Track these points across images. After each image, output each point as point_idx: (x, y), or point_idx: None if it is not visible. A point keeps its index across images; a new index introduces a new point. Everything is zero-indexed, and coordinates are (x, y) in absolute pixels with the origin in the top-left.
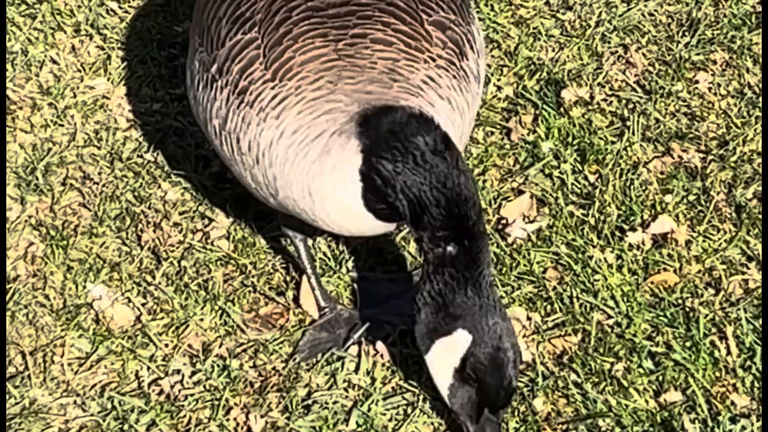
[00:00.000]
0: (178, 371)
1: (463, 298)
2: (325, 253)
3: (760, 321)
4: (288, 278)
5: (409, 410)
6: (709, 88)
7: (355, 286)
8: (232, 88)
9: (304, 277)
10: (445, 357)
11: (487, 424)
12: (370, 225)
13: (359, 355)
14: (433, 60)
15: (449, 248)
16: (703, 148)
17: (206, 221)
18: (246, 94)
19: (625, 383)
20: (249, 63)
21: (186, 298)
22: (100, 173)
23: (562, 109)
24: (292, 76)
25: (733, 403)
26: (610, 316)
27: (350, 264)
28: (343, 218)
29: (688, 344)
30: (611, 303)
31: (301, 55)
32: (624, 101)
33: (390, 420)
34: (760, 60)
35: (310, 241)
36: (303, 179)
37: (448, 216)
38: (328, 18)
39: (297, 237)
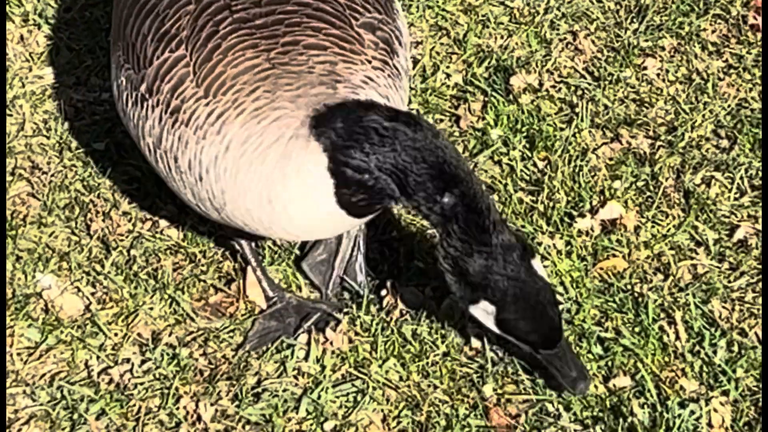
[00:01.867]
0: (128, 360)
1: (475, 264)
2: (274, 241)
3: (708, 306)
4: (237, 267)
5: (359, 397)
6: (658, 75)
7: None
8: (164, 108)
9: (249, 268)
10: (482, 318)
11: (551, 357)
12: (336, 225)
13: (309, 343)
14: (369, 62)
15: (445, 199)
16: (651, 134)
17: (155, 210)
18: (179, 113)
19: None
20: (179, 81)
21: (135, 287)
22: (48, 163)
23: (511, 96)
24: (226, 90)
25: (682, 387)
26: (559, 302)
27: (297, 252)
28: (309, 222)
29: (637, 329)
30: (560, 289)
31: (233, 68)
32: (573, 88)
33: (340, 407)
34: (709, 46)
35: None
36: (260, 187)
37: (430, 168)
38: (255, 29)
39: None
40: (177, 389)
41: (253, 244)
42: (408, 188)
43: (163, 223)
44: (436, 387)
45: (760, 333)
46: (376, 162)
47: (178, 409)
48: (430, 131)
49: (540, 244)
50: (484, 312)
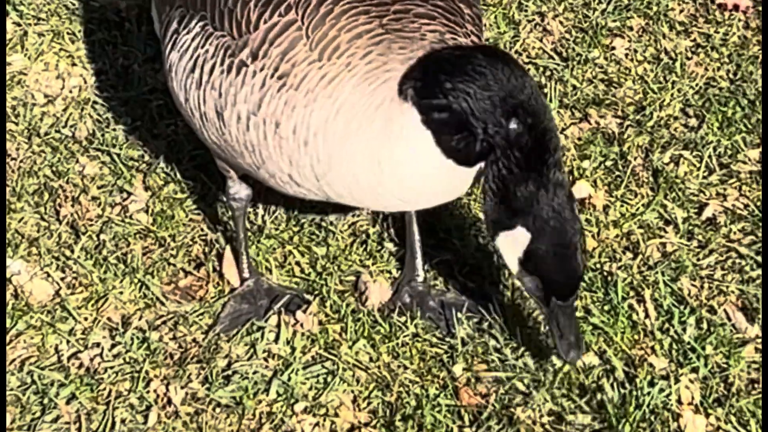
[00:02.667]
0: (98, 344)
1: (524, 190)
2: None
3: (678, 284)
4: (207, 250)
5: (329, 378)
6: (626, 54)
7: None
8: (271, 72)
9: (228, 248)
10: (509, 248)
11: (559, 310)
12: (447, 181)
13: (279, 325)
14: (468, 36)
15: (512, 125)
16: (620, 113)
17: (124, 195)
18: (289, 77)
19: (544, 347)
20: (291, 45)
21: (105, 272)
22: (17, 149)
23: None
24: (341, 54)
25: (651, 365)
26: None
27: (271, 231)
28: (420, 181)
29: (606, 308)
30: None
31: (347, 33)
32: (541, 69)
33: (310, 389)
34: (676, 25)
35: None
36: (369, 150)
37: (498, 93)
38: None
39: (239, 209)
40: (147, 373)
41: (245, 222)
42: (476, 112)
43: (132, 207)
44: (406, 368)
45: (729, 310)
46: (452, 92)
47: (148, 392)
48: (503, 58)
49: None
50: (514, 241)
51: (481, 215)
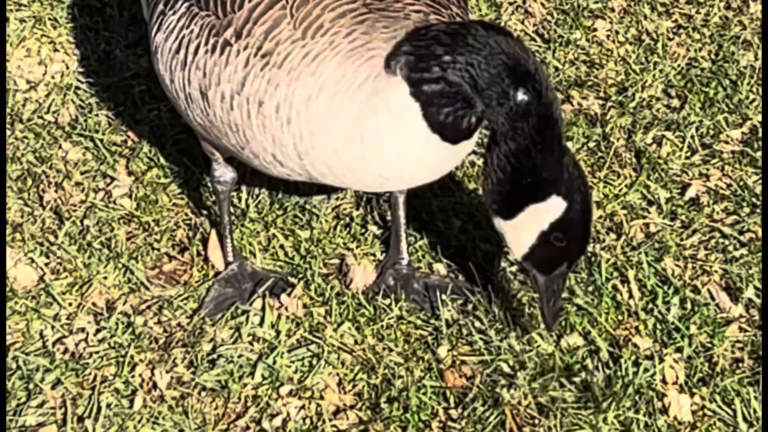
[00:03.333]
0: (83, 329)
1: (550, 160)
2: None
3: (661, 264)
4: (191, 234)
5: (314, 362)
6: (608, 36)
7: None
8: (254, 51)
9: (212, 232)
10: (533, 221)
11: (559, 274)
12: (431, 158)
13: (264, 309)
14: (453, 17)
15: (519, 96)
16: (602, 94)
17: (108, 180)
18: (272, 55)
19: (528, 328)
20: (275, 24)
21: (89, 257)
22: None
23: None
24: (324, 33)
25: (636, 345)
26: (512, 263)
27: (254, 215)
28: (404, 158)
29: (590, 289)
30: None
31: (331, 12)
32: None
33: (295, 372)
34: (658, 6)
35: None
36: (351, 126)
37: (504, 63)
38: None
39: (224, 192)
40: (132, 357)
41: (229, 205)
42: (480, 83)
43: (116, 192)
44: (391, 350)
45: (712, 290)
46: (450, 65)
47: (133, 377)
48: (503, 32)
49: None
50: (543, 212)
51: (482, 197)
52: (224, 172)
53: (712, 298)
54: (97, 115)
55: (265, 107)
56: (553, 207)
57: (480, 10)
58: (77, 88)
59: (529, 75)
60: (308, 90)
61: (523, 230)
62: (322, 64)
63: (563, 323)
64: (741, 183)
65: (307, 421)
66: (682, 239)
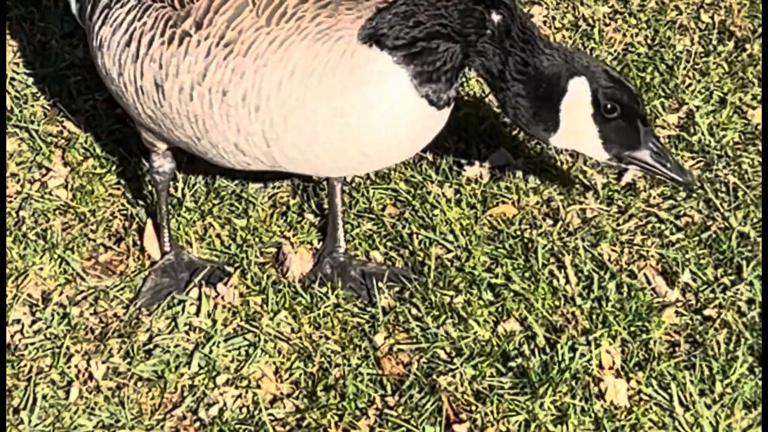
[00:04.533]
0: (18, 321)
1: (546, 58)
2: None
3: (598, 249)
4: (127, 224)
5: (251, 350)
6: (544, 22)
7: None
8: (216, 41)
9: (148, 222)
10: (577, 115)
11: (646, 137)
12: (415, 129)
13: (200, 298)
14: None
15: (495, 17)
16: None
17: (44, 171)
18: (236, 44)
19: (465, 315)
20: (236, 12)
21: (24, 248)
22: None
23: None
24: (288, 18)
25: (572, 331)
26: (449, 250)
27: (191, 204)
28: (390, 128)
29: (527, 275)
30: (450, 237)
31: None
32: None
33: (232, 361)
34: None
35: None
36: (332, 102)
37: (464, 4)
38: None
39: (162, 182)
40: (68, 348)
41: (167, 195)
42: (457, 21)
43: (51, 183)
44: (327, 338)
45: (649, 274)
46: (426, 24)
47: (69, 367)
48: None
49: (429, 193)
50: (578, 99)
51: (530, 135)
52: (163, 163)
53: (649, 283)
54: (32, 105)
55: (229, 96)
56: (579, 88)
57: None
58: (12, 79)
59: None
60: (278, 75)
61: (579, 129)
62: (290, 49)
63: (500, 309)
64: None
65: (244, 410)
66: (618, 224)
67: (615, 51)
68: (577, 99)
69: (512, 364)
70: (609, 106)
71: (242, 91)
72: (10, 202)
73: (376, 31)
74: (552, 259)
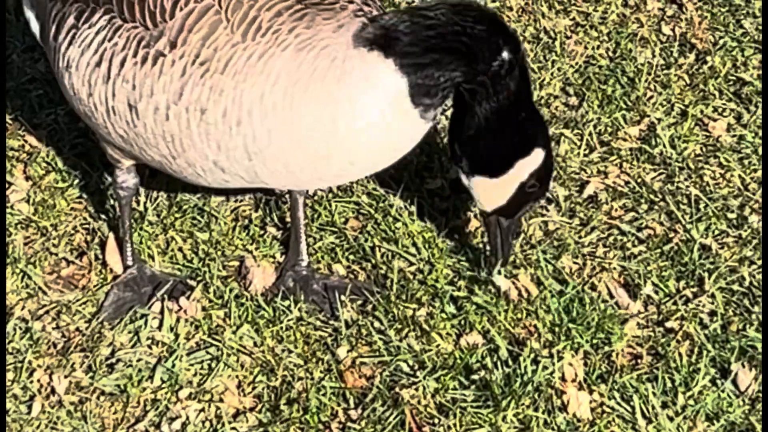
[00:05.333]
0: None
1: (532, 112)
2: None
3: (560, 262)
4: (89, 238)
5: (214, 364)
6: None
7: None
8: (191, 59)
9: (110, 236)
10: (517, 175)
11: (521, 214)
12: (406, 136)
13: (162, 312)
14: (378, 9)
15: (505, 54)
16: None
17: (6, 185)
18: (212, 62)
19: (427, 328)
20: (211, 30)
21: None
22: None
23: None
24: (264, 33)
25: (534, 343)
26: (412, 263)
27: (153, 217)
28: (380, 133)
29: (489, 287)
30: (413, 250)
31: (267, 12)
32: None
33: (195, 375)
34: (556, 5)
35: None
36: (321, 108)
37: (490, 23)
38: None
39: (126, 197)
40: (30, 363)
41: (130, 210)
42: (477, 44)
43: (13, 197)
44: (290, 351)
45: (611, 287)
46: (445, 29)
47: (31, 382)
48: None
49: (391, 205)
50: (528, 164)
51: (457, 161)
52: (127, 179)
53: (611, 295)
54: None
55: (208, 114)
56: (535, 158)
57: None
58: None
59: (509, 36)
60: (259, 88)
61: (507, 185)
62: (270, 61)
63: (463, 322)
64: (639, 180)
65: (207, 424)
66: (580, 237)
67: (576, 63)
68: (529, 165)
69: (475, 376)
70: (536, 183)
71: (222, 108)
72: None
73: (386, 33)
74: (514, 272)
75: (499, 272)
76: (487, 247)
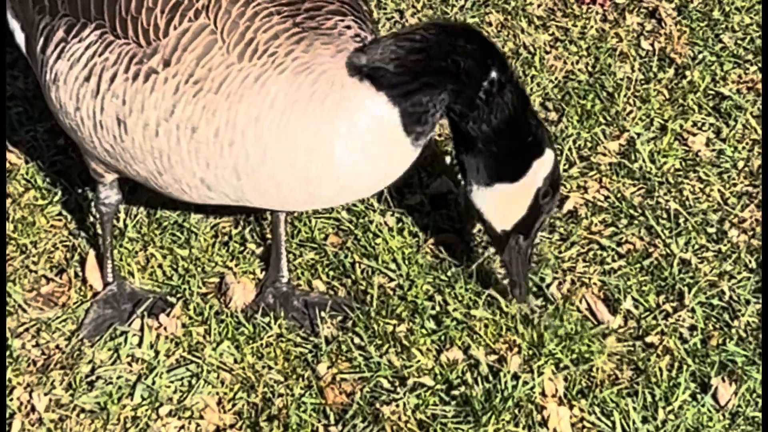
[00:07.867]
0: None
1: (534, 120)
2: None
3: (539, 276)
4: (69, 256)
5: (194, 381)
6: None
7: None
8: (185, 78)
9: (90, 253)
10: (532, 179)
11: (535, 234)
12: (396, 162)
13: (142, 329)
14: (371, 33)
15: (493, 74)
16: None
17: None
18: (206, 81)
19: (407, 344)
20: (206, 50)
21: None
22: None
23: None
24: (261, 55)
25: (514, 359)
26: (392, 279)
27: (133, 234)
28: (376, 158)
29: (470, 303)
30: (393, 266)
31: (264, 34)
32: None
33: (175, 392)
34: (535, 20)
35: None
36: (317, 130)
37: (480, 43)
38: None
39: (108, 214)
40: (10, 380)
41: (111, 226)
42: (463, 65)
43: None
44: (270, 368)
45: (591, 302)
46: (436, 52)
47: (11, 400)
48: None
49: (371, 222)
50: (543, 165)
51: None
52: (110, 195)
53: (591, 311)
54: None
55: (199, 133)
56: (549, 158)
57: None
58: None
59: (498, 56)
60: (255, 110)
61: (526, 190)
62: (267, 83)
63: (443, 338)
64: (618, 195)
65: None
66: (560, 252)
67: (556, 78)
68: (542, 168)
69: (455, 392)
70: (549, 191)
71: (214, 128)
72: None
73: (369, 65)
74: (494, 288)
75: (528, 293)
76: (502, 272)
